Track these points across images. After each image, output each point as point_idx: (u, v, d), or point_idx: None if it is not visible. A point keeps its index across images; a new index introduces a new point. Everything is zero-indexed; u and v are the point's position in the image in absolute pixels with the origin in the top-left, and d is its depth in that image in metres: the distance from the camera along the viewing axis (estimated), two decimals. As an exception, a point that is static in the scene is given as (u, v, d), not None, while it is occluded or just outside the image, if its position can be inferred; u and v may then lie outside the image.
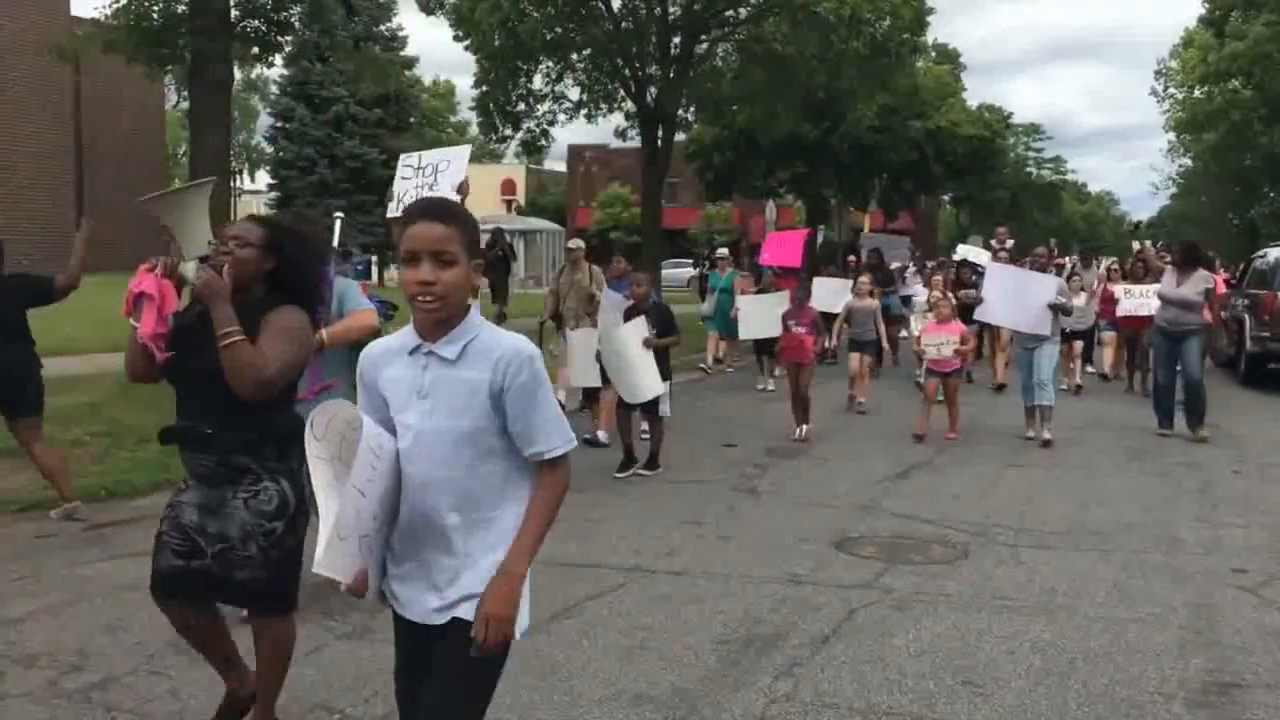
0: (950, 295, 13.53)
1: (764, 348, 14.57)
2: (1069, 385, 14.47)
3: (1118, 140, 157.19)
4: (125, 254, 35.12)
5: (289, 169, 39.09)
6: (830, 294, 14.76)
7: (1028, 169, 68.10)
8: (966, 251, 19.52)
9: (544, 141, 27.98)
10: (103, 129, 35.58)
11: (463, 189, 7.03)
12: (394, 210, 7.18)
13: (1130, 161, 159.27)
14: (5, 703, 4.25)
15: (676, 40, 25.00)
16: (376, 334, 4.88)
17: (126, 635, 5.01)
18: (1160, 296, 11.31)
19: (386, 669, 4.61)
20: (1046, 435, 10.40)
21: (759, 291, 15.18)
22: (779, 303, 12.34)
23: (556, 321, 11.41)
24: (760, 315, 12.92)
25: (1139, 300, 14.09)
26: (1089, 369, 16.35)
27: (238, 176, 61.73)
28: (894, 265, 19.34)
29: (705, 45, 25.94)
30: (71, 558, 6.36)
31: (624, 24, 24.95)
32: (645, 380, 8.88)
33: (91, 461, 8.40)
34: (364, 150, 38.01)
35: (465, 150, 7.63)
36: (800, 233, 19.15)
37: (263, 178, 55.80)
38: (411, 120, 42.47)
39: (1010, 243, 17.88)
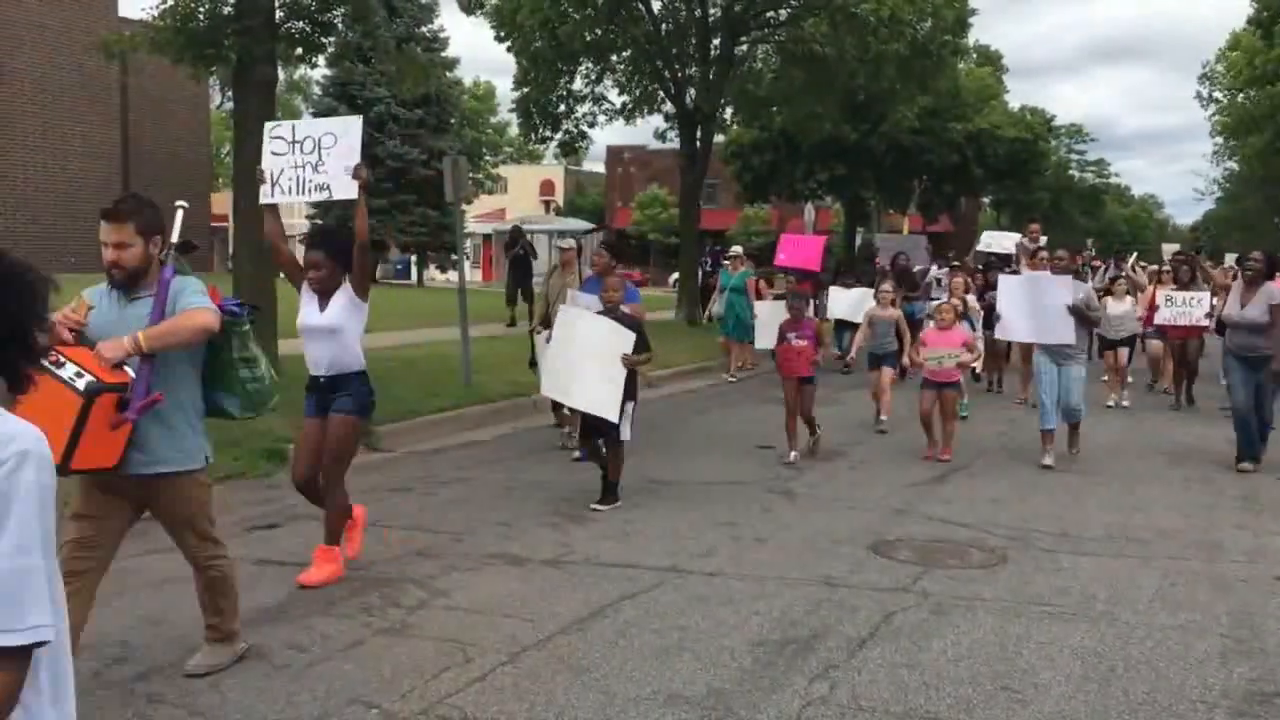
0: (972, 299, 13.03)
1: None
2: (1113, 402, 13.46)
3: (1162, 143, 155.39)
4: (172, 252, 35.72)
5: (330, 169, 39.35)
6: (851, 304, 14.16)
7: (1070, 171, 67.40)
8: (991, 240, 18.18)
9: (583, 143, 28.07)
10: (149, 129, 36.07)
11: (358, 174, 5.91)
12: (267, 195, 6.17)
13: (1175, 165, 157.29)
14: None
15: (716, 41, 25.00)
16: (209, 335, 4.29)
17: (169, 628, 5.09)
18: (1226, 321, 10.10)
19: (425, 665, 4.67)
20: (1073, 451, 9.91)
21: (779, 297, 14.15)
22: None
23: (546, 327, 10.17)
24: (779, 323, 12.49)
25: (1180, 309, 13.09)
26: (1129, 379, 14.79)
27: (280, 176, 62.19)
28: (915, 269, 18.17)
29: (745, 46, 25.93)
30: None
31: (664, 25, 24.98)
32: (602, 394, 7.52)
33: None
34: (405, 150, 38.22)
35: (357, 123, 6.16)
36: (818, 238, 18.35)
37: (305, 178, 56.12)
38: (452, 121, 42.66)
39: (1044, 240, 15.88)
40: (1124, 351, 13.63)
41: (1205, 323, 13.04)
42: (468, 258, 16.29)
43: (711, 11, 24.97)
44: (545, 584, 5.87)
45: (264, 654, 4.76)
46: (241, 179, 11.83)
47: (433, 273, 47.20)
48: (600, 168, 68.60)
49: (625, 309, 8.10)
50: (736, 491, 8.41)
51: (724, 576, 6.09)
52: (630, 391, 7.68)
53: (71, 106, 32.60)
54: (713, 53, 24.91)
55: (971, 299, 13.08)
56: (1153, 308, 13.69)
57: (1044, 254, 12.74)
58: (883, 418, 11.57)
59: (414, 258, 45.55)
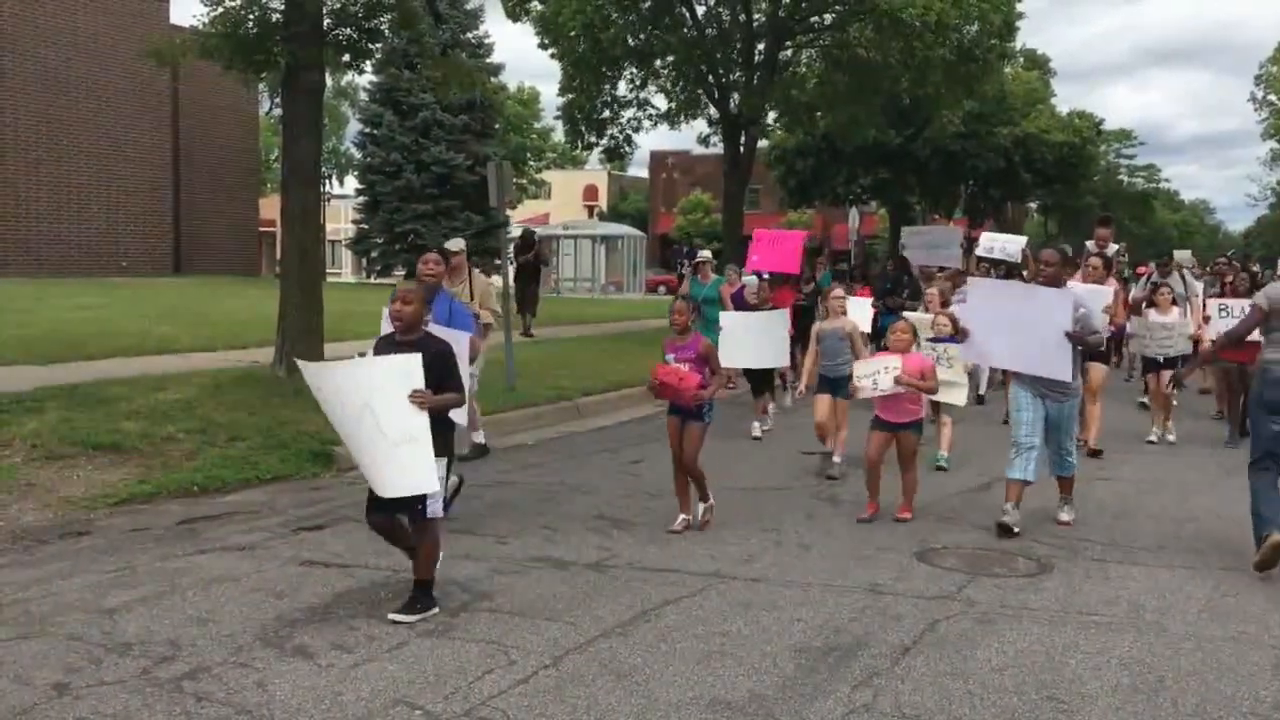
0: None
1: (759, 382, 11.66)
2: (1156, 436, 11.25)
3: (1216, 148, 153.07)
4: (219, 259, 36.19)
5: (376, 174, 39.74)
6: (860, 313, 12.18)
7: (1119, 176, 66.60)
8: (992, 244, 15.12)
9: (627, 148, 28.11)
10: (199, 135, 36.56)
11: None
12: None
13: (1229, 170, 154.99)
14: (101, 689, 4.39)
15: (760, 46, 24.95)
16: None
17: (216, 627, 5.15)
18: None
19: (468, 666, 4.69)
20: (1066, 517, 7.59)
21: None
22: (777, 323, 10.81)
23: None
24: (753, 337, 10.85)
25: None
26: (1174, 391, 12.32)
27: (327, 182, 63.08)
28: (940, 271, 15.64)
29: (789, 51, 25.85)
30: (164, 551, 6.54)
31: (708, 30, 24.97)
32: (404, 460, 5.22)
33: (184, 458, 8.62)
34: (449, 156, 38.46)
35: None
36: (797, 234, 16.25)
37: (351, 183, 56.89)
38: (496, 126, 42.90)
39: (1114, 249, 12.78)
40: (1167, 376, 10.82)
41: None
42: (511, 263, 16.26)
43: (756, 16, 24.93)
44: (588, 587, 5.89)
45: (310, 654, 4.81)
46: (289, 184, 11.96)
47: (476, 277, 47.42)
48: (644, 173, 68.79)
49: (437, 330, 6.23)
50: (781, 497, 8.38)
51: (767, 582, 6.07)
52: (440, 447, 5.45)
53: (124, 113, 33.14)
54: (757, 57, 24.86)
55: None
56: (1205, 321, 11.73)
57: (1097, 267, 10.52)
58: (835, 459, 9.31)
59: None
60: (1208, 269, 19.49)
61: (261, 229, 40.90)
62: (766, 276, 13.61)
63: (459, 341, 6.37)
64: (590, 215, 62.53)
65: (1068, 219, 56.47)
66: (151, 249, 33.94)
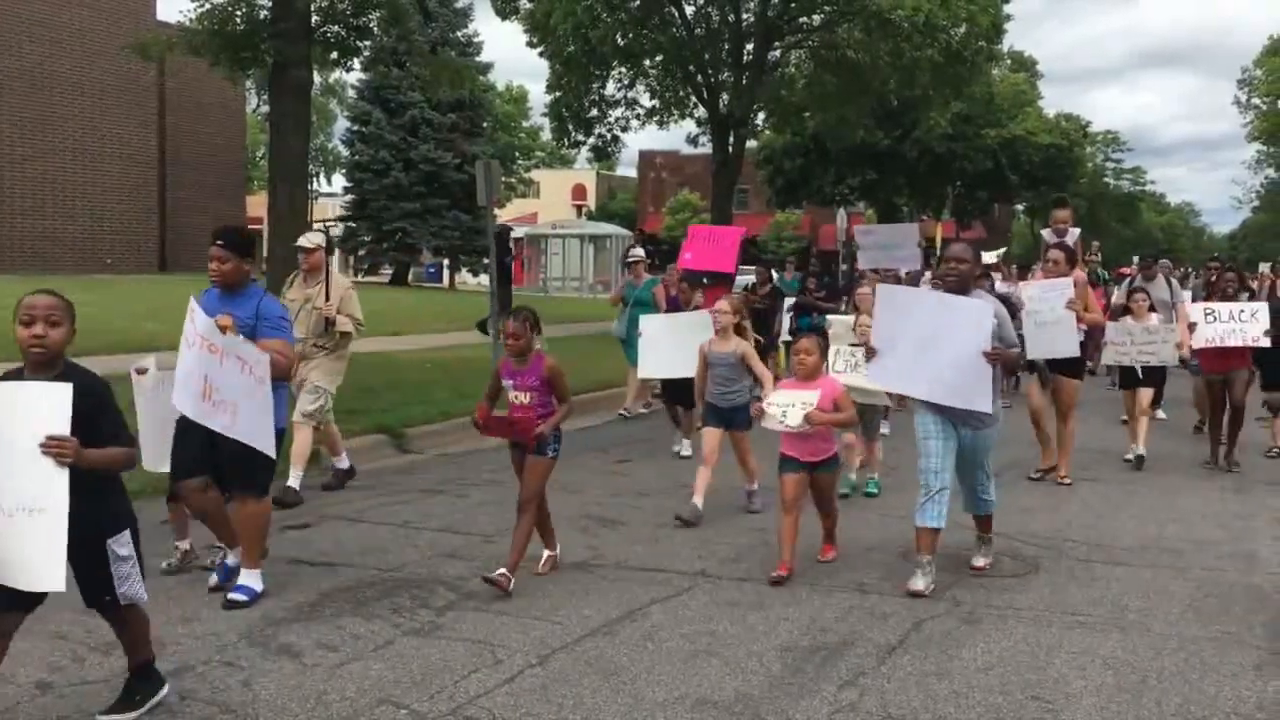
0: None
1: (677, 393, 9.89)
2: (1133, 455, 9.93)
3: (1203, 151, 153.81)
4: (205, 257, 36.01)
5: (364, 172, 39.72)
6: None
7: (1105, 179, 66.93)
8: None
9: (615, 147, 28.14)
10: (186, 132, 36.47)
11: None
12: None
13: (1215, 173, 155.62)
14: (84, 688, 4.38)
15: (749, 47, 25.01)
16: None
17: (201, 626, 5.13)
18: None
19: (454, 666, 4.68)
20: (980, 561, 6.42)
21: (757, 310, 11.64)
22: (701, 327, 8.59)
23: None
24: (670, 343, 9.27)
25: (1227, 326, 9.80)
26: (1159, 414, 12.00)
27: (314, 179, 62.88)
28: (904, 272, 14.60)
29: (778, 52, 25.91)
30: (146, 550, 6.50)
31: (697, 30, 25.00)
32: (36, 543, 3.64)
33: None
34: (438, 154, 38.47)
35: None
36: (734, 230, 14.63)
37: (339, 181, 56.78)
38: (485, 125, 42.89)
39: (1075, 234, 10.66)
40: (1145, 394, 10.19)
41: (1264, 341, 9.72)
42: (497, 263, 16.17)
43: (745, 17, 24.98)
44: (575, 587, 5.88)
45: (295, 653, 4.80)
46: (276, 182, 11.94)
47: (464, 276, 47.42)
48: (632, 172, 68.75)
49: (234, 349, 5.23)
50: (767, 497, 8.38)
51: (754, 582, 6.07)
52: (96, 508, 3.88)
53: (109, 110, 33.01)
54: (746, 58, 24.92)
55: None
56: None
57: (1058, 260, 9.08)
58: (751, 492, 7.92)
59: (445, 261, 45.77)
60: (1198, 274, 19.35)
61: (249, 226, 40.78)
62: (706, 280, 11.98)
63: (254, 365, 5.23)
64: (579, 214, 62.47)
65: (1054, 221, 56.81)
66: (137, 247, 33.82)
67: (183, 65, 22.46)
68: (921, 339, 5.91)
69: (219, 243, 5.70)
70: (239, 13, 11.77)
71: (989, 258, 15.48)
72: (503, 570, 5.69)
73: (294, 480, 7.80)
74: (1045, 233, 11.17)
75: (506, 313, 6.62)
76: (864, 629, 5.29)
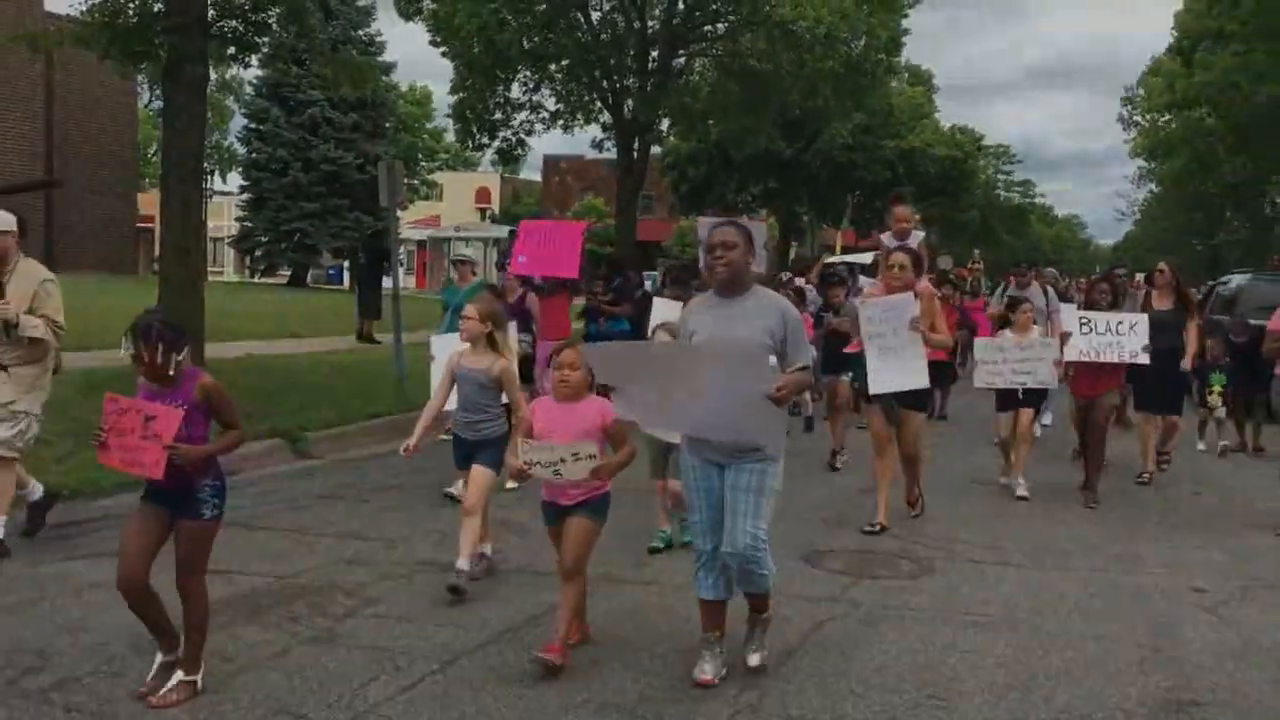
0: None
1: None
2: (1011, 481, 9.08)
3: (1089, 166, 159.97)
4: (94, 256, 34.83)
5: (261, 171, 38.87)
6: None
7: (997, 191, 68.85)
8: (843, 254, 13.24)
9: (520, 151, 28.00)
10: (74, 127, 35.21)
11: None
12: None
13: (1101, 187, 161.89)
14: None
15: (654, 53, 25.13)
16: None
17: (88, 636, 4.97)
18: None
19: (353, 674, 4.61)
20: (754, 660, 4.83)
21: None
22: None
23: None
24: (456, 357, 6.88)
25: (1104, 339, 8.74)
26: (1043, 423, 11.03)
27: (209, 178, 61.34)
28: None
29: (683, 59, 26.09)
30: (34, 558, 6.29)
31: (602, 36, 25.04)
32: None
33: (55, 461, 8.29)
34: (339, 154, 37.84)
35: None
36: (575, 226, 12.83)
37: (234, 179, 55.50)
38: (387, 125, 42.33)
39: (918, 236, 9.37)
40: (1025, 416, 9.03)
41: (1143, 358, 8.74)
42: (401, 264, 15.95)
43: (650, 23, 25.11)
44: (478, 591, 5.83)
45: (187, 662, 4.66)
46: (169, 179, 11.61)
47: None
48: (537, 176, 68.52)
49: None
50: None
51: (657, 585, 6.10)
52: None
53: (-7, 102, 31.76)
54: (651, 64, 25.04)
55: None
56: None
57: (975, 266, 8.28)
58: (461, 565, 5.79)
59: (346, 263, 45.04)
60: (1079, 284, 19.66)
61: (140, 225, 39.60)
62: (543, 287, 10.72)
63: None
64: (483, 218, 62.05)
65: (951, 231, 58.17)
66: (21, 245, 32.57)
67: (72, 58, 21.75)
68: (690, 389, 4.57)
69: None
70: (132, 5, 11.41)
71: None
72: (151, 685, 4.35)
73: None
74: (884, 236, 9.58)
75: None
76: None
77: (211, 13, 11.64)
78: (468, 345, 6.19)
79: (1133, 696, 4.66)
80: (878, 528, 7.50)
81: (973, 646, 5.22)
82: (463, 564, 5.74)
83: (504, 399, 6.18)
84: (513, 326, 7.26)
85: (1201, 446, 11.84)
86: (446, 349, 6.94)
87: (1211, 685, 4.81)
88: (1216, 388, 11.55)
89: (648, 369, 4.83)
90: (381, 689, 4.46)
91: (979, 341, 9.58)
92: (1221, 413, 11.64)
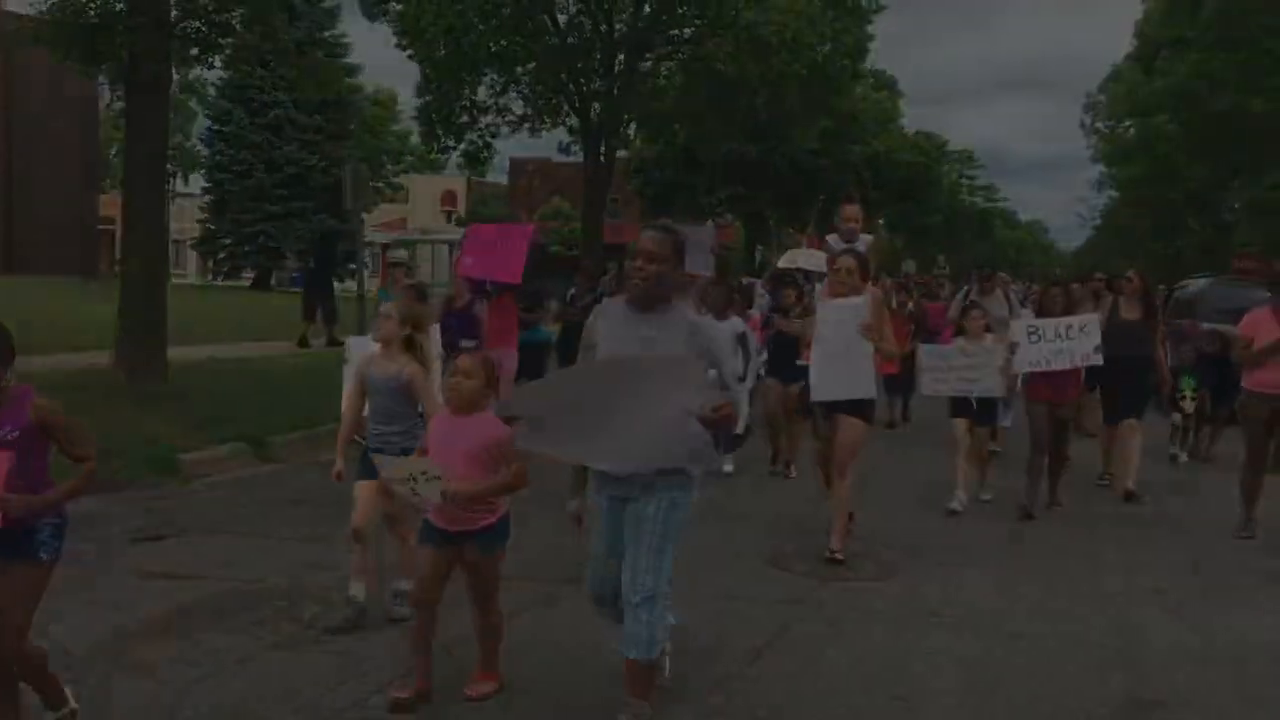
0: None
1: None
2: (960, 504, 8.48)
3: (1052, 171, 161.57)
4: (55, 258, 34.38)
5: (224, 173, 38.54)
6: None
7: (961, 196, 69.45)
8: (795, 257, 13.41)
9: (486, 154, 27.90)
10: (34, 127, 34.79)
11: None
12: None
13: (1064, 193, 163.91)
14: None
15: (621, 57, 25.14)
16: None
17: (47, 641, 4.86)
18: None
19: (320, 679, 4.58)
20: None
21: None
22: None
23: None
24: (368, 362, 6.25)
25: (1053, 346, 8.38)
26: (994, 447, 9.80)
27: (172, 179, 60.70)
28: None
29: (649, 63, 26.13)
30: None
31: (569, 39, 25.04)
32: None
33: None
34: (303, 156, 37.58)
35: None
36: (523, 229, 12.10)
37: (197, 181, 54.99)
38: (352, 127, 42.09)
39: (867, 239, 8.70)
40: (983, 431, 8.88)
41: (1096, 359, 8.43)
42: (366, 267, 15.83)
43: (617, 27, 25.13)
44: (445, 595, 5.79)
45: (148, 668, 4.62)
46: (131, 181, 11.50)
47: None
48: (504, 179, 68.33)
49: None
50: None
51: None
52: None
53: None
54: (617, 67, 25.06)
55: None
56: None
57: (940, 271, 7.99)
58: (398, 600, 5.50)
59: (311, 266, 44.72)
60: (1031, 290, 19.60)
61: (101, 227, 39.15)
62: (491, 291, 10.13)
63: None
64: (449, 221, 61.81)
65: (916, 236, 58.62)
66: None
67: (32, 58, 21.47)
68: (606, 407, 4.06)
69: None
70: (92, 5, 11.29)
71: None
72: None
73: None
74: (831, 238, 9.20)
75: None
76: (731, 634, 5.36)
77: (174, 13, 11.55)
78: (378, 347, 5.52)
79: (1094, 696, 4.71)
80: (839, 555, 6.75)
81: (937, 647, 5.26)
82: (400, 584, 5.39)
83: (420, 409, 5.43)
84: (435, 331, 6.69)
85: (1175, 451, 11.44)
86: (363, 349, 6.17)
87: (1171, 685, 4.88)
88: (1188, 392, 11.37)
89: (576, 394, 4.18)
90: (349, 694, 4.44)
91: (925, 348, 9.45)
92: (1190, 419, 11.45)
